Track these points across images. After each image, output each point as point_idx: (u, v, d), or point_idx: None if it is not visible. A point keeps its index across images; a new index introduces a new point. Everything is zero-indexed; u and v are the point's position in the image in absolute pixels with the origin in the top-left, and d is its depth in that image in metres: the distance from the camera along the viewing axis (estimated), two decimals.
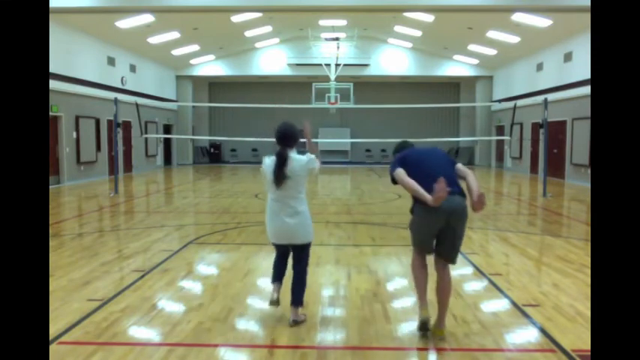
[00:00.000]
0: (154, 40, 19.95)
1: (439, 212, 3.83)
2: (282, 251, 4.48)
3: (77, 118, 17.18)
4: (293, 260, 4.43)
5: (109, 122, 18.39)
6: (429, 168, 3.95)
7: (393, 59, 25.91)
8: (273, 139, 4.28)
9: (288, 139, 4.22)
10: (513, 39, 19.45)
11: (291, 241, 4.32)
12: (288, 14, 19.61)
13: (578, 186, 16.25)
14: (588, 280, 5.49)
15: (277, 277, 4.44)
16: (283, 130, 4.25)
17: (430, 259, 4.17)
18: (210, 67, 26.33)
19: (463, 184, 4.02)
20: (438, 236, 4.01)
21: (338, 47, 23.21)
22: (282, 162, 4.15)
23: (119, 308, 4.69)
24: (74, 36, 17.06)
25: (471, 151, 27.79)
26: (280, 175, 4.13)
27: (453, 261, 4.09)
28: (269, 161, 4.24)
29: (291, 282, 4.39)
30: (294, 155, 4.21)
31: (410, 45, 25.17)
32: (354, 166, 26.91)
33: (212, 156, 29.15)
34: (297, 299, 4.31)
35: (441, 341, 3.95)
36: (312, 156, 4.27)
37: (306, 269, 4.41)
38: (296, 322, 4.29)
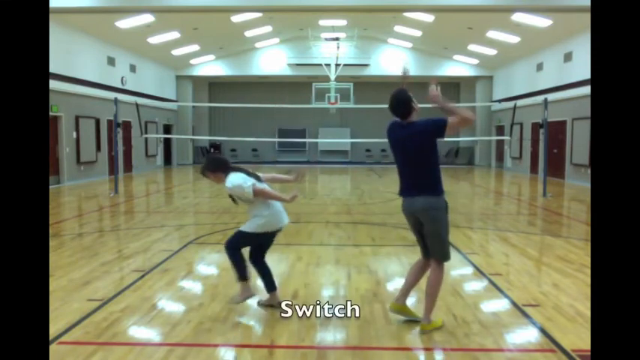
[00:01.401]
0: (154, 40, 19.95)
1: (404, 211, 4.29)
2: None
3: (77, 118, 17.18)
4: (266, 247, 4.67)
5: (109, 122, 18.39)
6: (404, 160, 4.24)
7: (393, 59, 25.89)
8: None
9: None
10: (513, 39, 19.45)
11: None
12: (288, 14, 19.60)
13: (578, 186, 16.25)
14: (588, 280, 5.49)
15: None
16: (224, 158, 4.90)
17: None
18: (210, 67, 26.32)
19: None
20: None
21: (338, 47, 23.19)
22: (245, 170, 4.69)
23: (119, 308, 4.69)
24: (74, 36, 17.06)
25: (471, 151, 27.79)
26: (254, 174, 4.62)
27: (432, 257, 4.20)
28: (240, 174, 4.60)
29: (264, 270, 4.62)
30: None
31: (410, 45, 25.16)
32: (354, 166, 26.91)
33: None
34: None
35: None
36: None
37: None
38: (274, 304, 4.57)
